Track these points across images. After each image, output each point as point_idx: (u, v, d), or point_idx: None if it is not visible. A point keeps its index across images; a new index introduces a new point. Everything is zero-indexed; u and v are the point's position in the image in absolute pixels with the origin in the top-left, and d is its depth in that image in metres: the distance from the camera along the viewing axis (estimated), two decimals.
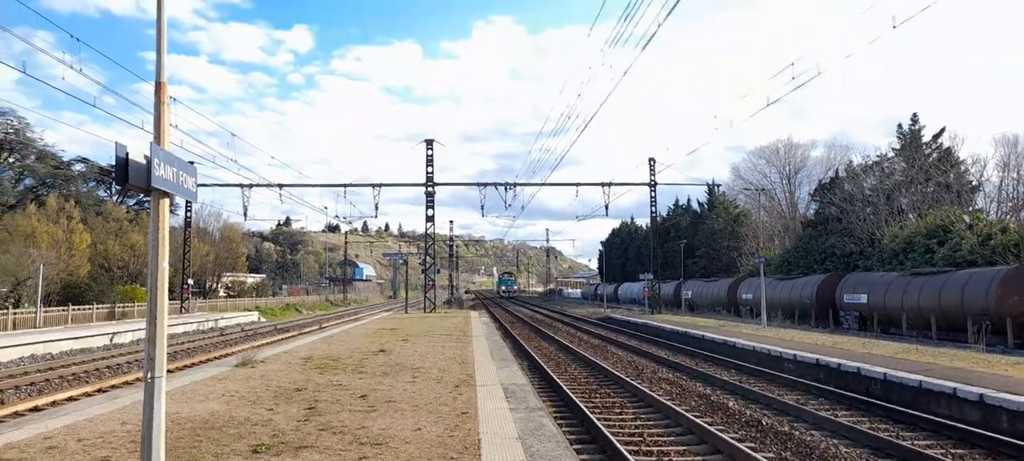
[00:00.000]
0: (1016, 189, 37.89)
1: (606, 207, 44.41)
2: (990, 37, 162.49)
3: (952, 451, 9.40)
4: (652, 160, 45.60)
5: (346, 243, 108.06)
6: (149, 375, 4.68)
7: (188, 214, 49.69)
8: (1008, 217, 35.75)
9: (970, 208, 40.11)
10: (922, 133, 45.96)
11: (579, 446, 9.47)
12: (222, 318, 42.72)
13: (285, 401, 9.75)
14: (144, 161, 4.52)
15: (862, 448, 9.53)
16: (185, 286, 47.09)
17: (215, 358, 21.25)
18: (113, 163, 4.46)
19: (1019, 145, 38.96)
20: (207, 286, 65.49)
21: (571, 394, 13.16)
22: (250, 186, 41.81)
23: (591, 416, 10.91)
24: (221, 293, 67.53)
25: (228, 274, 72.09)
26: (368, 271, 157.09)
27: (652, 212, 48.04)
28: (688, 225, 67.80)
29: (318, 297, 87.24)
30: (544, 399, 12.58)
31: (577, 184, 44.24)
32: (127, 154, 4.42)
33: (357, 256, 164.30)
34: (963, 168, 43.78)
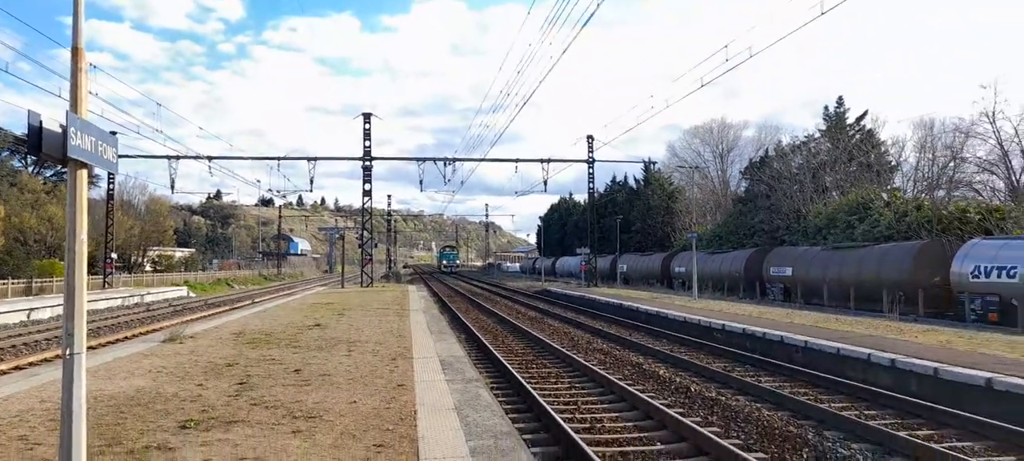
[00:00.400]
0: (931, 169, 39.96)
1: (545, 183, 44.71)
2: (911, 25, 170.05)
3: (865, 412, 9.97)
4: (590, 137, 46.07)
5: (280, 217, 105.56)
6: (68, 351, 4.50)
7: (110, 186, 47.52)
8: (923, 195, 37.73)
9: (889, 187, 42.18)
10: (846, 115, 47.92)
11: (515, 415, 9.62)
12: (149, 293, 41.22)
13: (215, 376, 9.53)
14: (59, 130, 4.30)
15: (784, 411, 10.00)
16: (107, 260, 45.15)
17: (141, 334, 20.54)
18: (27, 132, 4.24)
19: (935, 128, 41.04)
20: (132, 261, 62.94)
21: (508, 365, 13.31)
22: (177, 158, 40.26)
23: (527, 386, 11.07)
24: (148, 268, 65.01)
25: (155, 249, 69.42)
26: (304, 246, 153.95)
27: (590, 188, 48.62)
28: (624, 201, 68.97)
29: (251, 272, 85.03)
30: (481, 371, 12.69)
31: (516, 160, 44.31)
32: (41, 122, 4.20)
33: (292, 230, 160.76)
34: (883, 149, 45.91)
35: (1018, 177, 35.55)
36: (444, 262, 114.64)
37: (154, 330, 21.35)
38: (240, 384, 8.95)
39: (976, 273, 21.55)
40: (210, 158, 40.92)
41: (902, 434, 8.48)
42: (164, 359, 11.14)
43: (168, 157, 40.00)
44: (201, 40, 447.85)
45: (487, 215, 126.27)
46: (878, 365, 12.11)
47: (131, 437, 6.26)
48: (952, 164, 38.44)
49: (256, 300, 38.38)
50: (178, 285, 51.61)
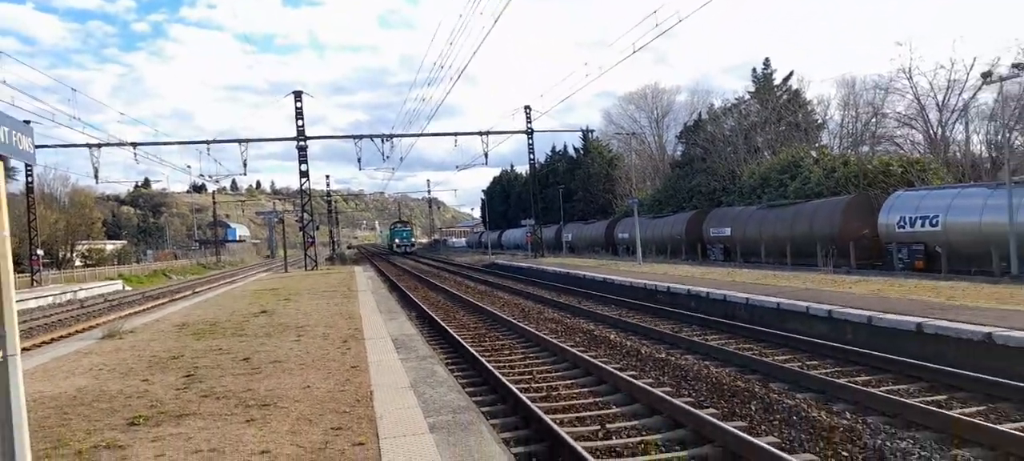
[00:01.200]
0: (855, 126, 41.61)
1: (486, 155, 44.59)
2: None
3: (807, 363, 10.41)
4: (528, 108, 46.08)
5: (214, 203, 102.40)
6: (1, 354, 4.28)
7: (29, 179, 45.17)
8: (849, 151, 39.27)
9: (817, 144, 43.72)
10: (774, 77, 49.27)
11: (471, 388, 9.66)
12: (82, 289, 39.51)
13: (161, 370, 9.25)
14: None
15: (730, 367, 10.35)
16: (33, 257, 43.02)
17: (78, 332, 19.71)
18: None
19: (856, 86, 42.68)
20: (61, 256, 60.20)
21: (461, 340, 13.34)
22: (99, 146, 38.48)
23: (481, 359, 11.13)
24: (78, 263, 62.28)
25: (83, 242, 66.49)
26: (242, 231, 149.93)
27: (530, 159, 48.78)
28: (565, 170, 69.47)
29: (189, 261, 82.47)
30: (434, 347, 12.67)
31: (455, 134, 44.02)
32: None
33: (227, 216, 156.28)
34: (810, 108, 47.49)
35: (935, 130, 37.36)
36: (396, 241, 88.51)
37: (91, 327, 20.51)
38: (188, 376, 8.71)
39: (901, 223, 22.61)
40: (135, 144, 39.33)
41: (842, 381, 8.90)
42: (104, 356, 10.73)
43: (89, 145, 38.17)
44: (112, 20, 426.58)
45: (429, 191, 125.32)
46: (816, 317, 12.63)
47: (78, 438, 6.03)
48: (874, 120, 40.12)
49: (197, 290, 37.27)
50: (112, 279, 49.62)
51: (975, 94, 34.69)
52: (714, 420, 7.23)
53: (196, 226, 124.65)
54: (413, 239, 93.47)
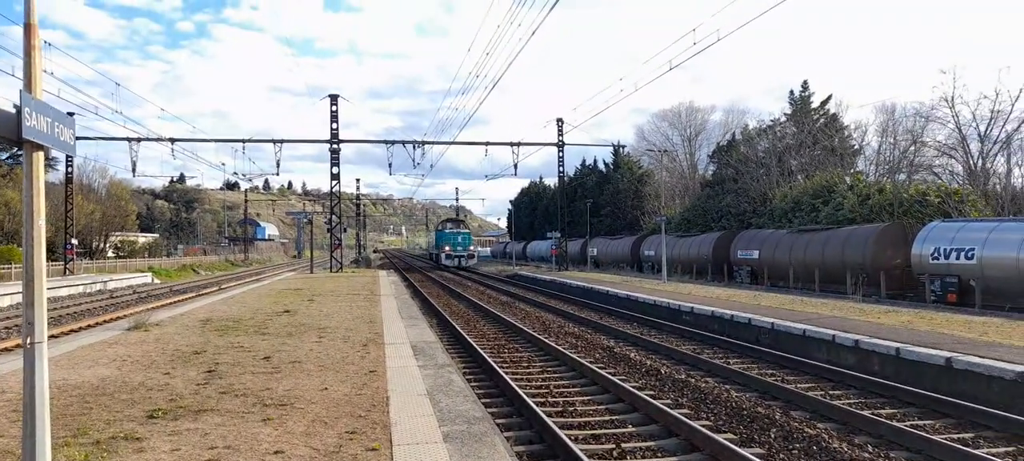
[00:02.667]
0: (893, 153, 40.82)
1: (515, 166, 44.64)
2: (874, 9, 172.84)
3: (831, 392, 10.20)
4: (560, 121, 46.10)
5: (246, 201, 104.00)
6: (29, 340, 4.37)
7: (69, 169, 46.28)
8: (885, 178, 38.53)
9: (852, 170, 43.00)
10: (811, 99, 48.65)
11: (487, 399, 9.63)
12: (112, 280, 40.33)
13: (183, 364, 9.38)
14: (13, 110, 4.15)
15: (751, 392, 10.18)
16: (68, 247, 44.02)
17: (105, 322, 20.10)
18: None
19: (896, 112, 41.91)
20: (94, 247, 61.54)
21: (480, 350, 13.32)
22: (138, 140, 39.29)
23: (499, 371, 11.10)
24: (110, 254, 63.62)
25: (117, 234, 67.92)
26: (271, 230, 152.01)
27: (560, 172, 48.71)
28: (594, 185, 69.25)
29: (217, 257, 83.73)
30: (453, 356, 12.68)
31: (486, 143, 44.06)
32: None
33: (258, 215, 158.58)
34: (847, 133, 46.77)
35: (975, 161, 36.50)
36: (445, 248, 58.29)
37: (118, 318, 20.91)
38: (209, 372, 8.81)
39: (935, 255, 22.11)
40: (172, 140, 40.05)
41: (866, 413, 8.70)
42: (129, 347, 10.92)
43: (128, 139, 39.03)
44: (158, 18, 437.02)
45: (457, 199, 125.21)
46: (842, 346, 12.38)
47: (97, 427, 6.13)
48: (913, 148, 39.30)
49: (223, 286, 37.81)
50: (142, 271, 50.59)
51: (1020, 126, 33.88)
52: (731, 445, 7.11)
53: (226, 223, 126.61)
54: (472, 246, 59.36)
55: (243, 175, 49.88)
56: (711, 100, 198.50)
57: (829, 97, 48.31)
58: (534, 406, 8.69)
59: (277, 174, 44.22)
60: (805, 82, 49.35)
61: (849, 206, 33.59)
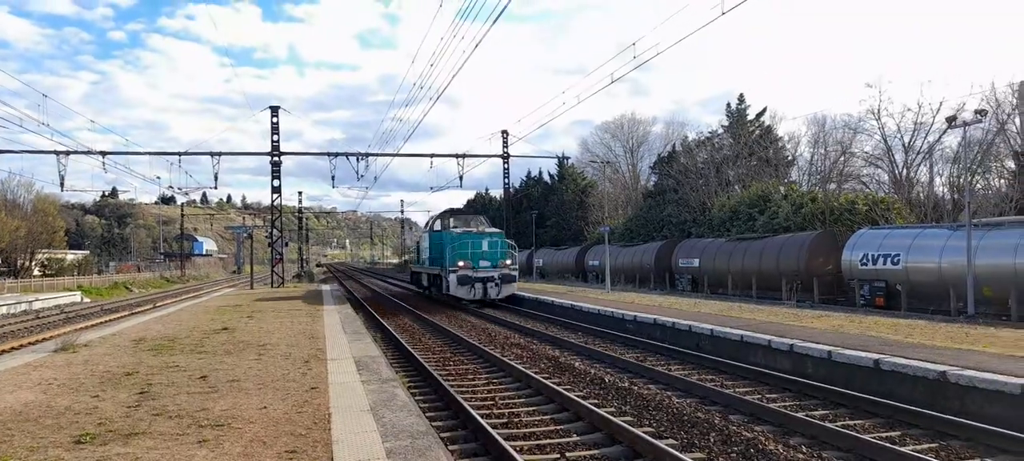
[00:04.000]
0: (824, 163, 42.44)
1: (460, 178, 44.53)
2: (805, 26, 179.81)
3: (767, 395, 10.50)
4: (505, 133, 46.33)
5: (183, 216, 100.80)
6: None
7: None
8: (817, 188, 40.01)
9: (786, 180, 44.52)
10: (747, 112, 50.22)
11: (432, 413, 9.57)
12: (37, 299, 38.47)
13: (113, 386, 9.01)
14: None
15: (692, 398, 10.40)
16: None
17: (30, 344, 19.15)
18: None
19: (826, 124, 43.66)
20: (19, 265, 58.65)
21: (425, 363, 13.22)
22: (67, 153, 37.69)
23: (444, 384, 11.04)
24: (36, 272, 60.69)
25: (44, 251, 64.90)
26: (209, 245, 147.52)
27: (505, 183, 48.97)
28: (539, 196, 69.72)
29: (152, 274, 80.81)
30: (397, 370, 12.56)
31: (431, 155, 43.61)
32: None
33: (195, 230, 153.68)
34: (781, 144, 48.41)
35: (900, 170, 38.28)
36: (459, 266, 26.74)
37: (44, 339, 19.94)
38: (141, 394, 8.50)
39: (864, 261, 23.06)
40: (103, 153, 38.59)
41: (800, 415, 8.99)
42: (55, 370, 10.43)
43: (57, 152, 37.40)
44: (89, 27, 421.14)
45: (403, 211, 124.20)
46: (778, 350, 12.78)
47: (20, 455, 5.84)
48: (842, 158, 40.98)
49: (158, 304, 36.51)
50: (71, 290, 48.40)
51: (940, 137, 35.71)
52: (673, 451, 7.26)
53: (162, 238, 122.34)
54: (510, 260, 28.30)
55: (180, 189, 48.33)
56: (652, 112, 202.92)
57: (764, 110, 49.99)
58: (479, 418, 8.68)
59: (215, 188, 43.11)
60: (741, 95, 50.96)
61: (784, 215, 34.74)
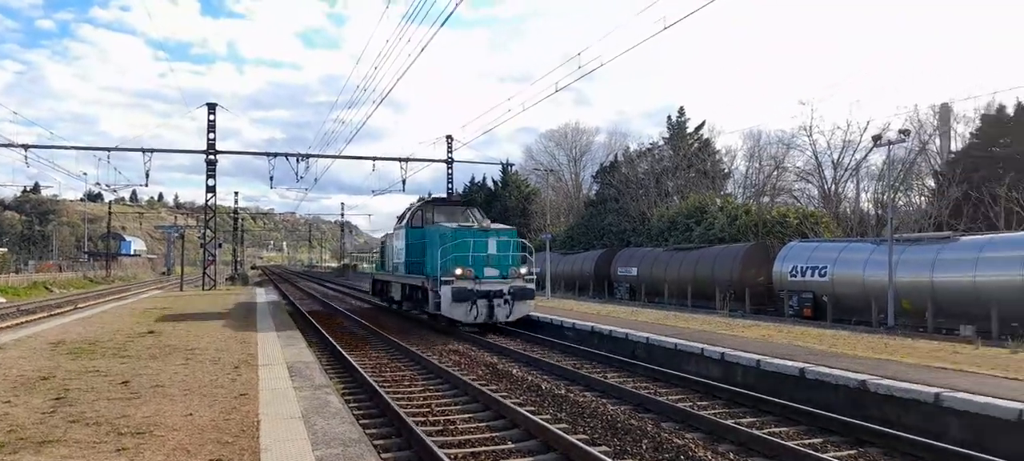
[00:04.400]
0: (758, 177, 43.92)
1: (403, 182, 44.16)
2: (746, 42, 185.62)
3: (698, 403, 10.74)
4: (449, 137, 46.19)
5: (110, 213, 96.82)
6: None
7: None
8: (751, 200, 41.32)
9: (722, 192, 45.84)
10: (687, 125, 51.51)
11: (366, 420, 9.42)
12: None
13: (27, 392, 8.55)
14: None
15: (626, 405, 10.55)
16: None
17: None
18: None
19: (761, 140, 45.24)
20: None
21: (360, 369, 13.02)
22: None
23: (380, 390, 10.88)
24: None
25: None
26: (137, 245, 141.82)
27: (449, 188, 48.67)
28: (483, 202, 69.59)
29: (75, 274, 77.16)
30: (332, 376, 12.32)
31: (374, 158, 43.15)
32: None
33: (124, 228, 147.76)
34: (718, 157, 49.87)
35: (829, 186, 39.90)
36: (456, 275, 19.55)
37: None
38: (57, 399, 8.09)
39: (794, 272, 23.90)
40: (26, 146, 36.68)
41: (729, 422, 9.23)
42: None
43: None
44: (14, 15, 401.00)
45: (343, 214, 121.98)
46: (710, 358, 13.10)
47: None
48: (775, 173, 42.48)
49: (80, 305, 34.88)
50: None
51: (866, 155, 37.40)
52: (606, 458, 7.34)
53: (87, 237, 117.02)
54: (524, 268, 20.69)
55: (108, 186, 46.27)
56: (596, 122, 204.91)
57: (703, 123, 51.42)
58: (413, 425, 8.59)
59: (146, 185, 41.80)
60: (681, 108, 52.35)
61: (719, 226, 35.72)
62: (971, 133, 37.87)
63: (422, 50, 18.95)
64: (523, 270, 20.54)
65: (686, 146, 49.43)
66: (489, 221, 22.42)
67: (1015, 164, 32.28)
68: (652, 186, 47.38)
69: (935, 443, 7.94)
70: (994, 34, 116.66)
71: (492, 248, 20.40)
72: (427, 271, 21.03)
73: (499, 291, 19.80)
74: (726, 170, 49.44)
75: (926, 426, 8.67)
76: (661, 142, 52.65)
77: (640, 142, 57.12)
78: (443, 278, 19.46)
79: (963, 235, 21.73)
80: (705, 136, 50.66)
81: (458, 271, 19.51)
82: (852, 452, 8.22)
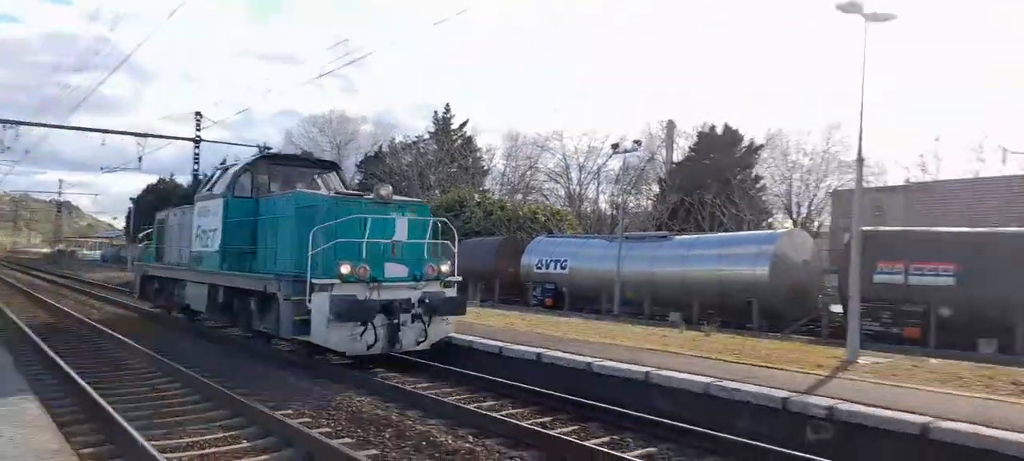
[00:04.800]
0: (514, 175, 46.61)
1: (140, 159, 39.47)
2: (515, 44, 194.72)
3: (443, 390, 11.07)
4: (198, 115, 42.32)
5: None
6: None
7: None
8: (506, 197, 43.69)
9: (481, 188, 47.86)
10: (452, 121, 52.92)
11: (73, 427, 8.30)
12: None
13: None
14: None
15: (372, 396, 10.54)
16: None
17: None
18: None
19: (519, 141, 48.04)
20: None
21: (72, 373, 11.41)
22: None
23: (89, 389, 9.65)
24: None
25: None
26: None
27: (194, 169, 44.51)
28: None
29: None
30: (35, 380, 10.66)
31: (104, 131, 38.08)
32: None
33: None
34: (479, 154, 51.98)
35: (574, 187, 43.67)
36: (337, 271, 11.71)
37: None
38: None
39: (539, 265, 25.76)
40: None
41: (471, 407, 9.69)
42: None
43: None
44: None
45: (61, 193, 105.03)
46: (459, 347, 13.59)
47: None
48: (529, 172, 45.44)
49: None
50: None
51: (606, 161, 41.53)
52: (347, 450, 7.29)
53: None
54: (450, 257, 13.80)
55: None
56: (364, 111, 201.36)
57: (466, 121, 53.19)
58: (135, 433, 7.75)
59: None
60: (447, 105, 53.58)
61: (476, 220, 37.24)
62: (690, 147, 43.88)
63: (171, 15, 17.23)
64: (444, 268, 13.43)
65: (450, 142, 50.79)
66: (390, 188, 13.44)
67: (720, 176, 38.06)
68: (415, 178, 47.92)
69: (646, 416, 9.06)
70: (715, 64, 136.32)
71: (401, 233, 12.75)
72: (269, 268, 13.66)
73: (407, 301, 12.48)
74: (486, 167, 51.73)
75: (638, 401, 9.86)
76: (427, 136, 53.48)
77: (406, 135, 57.46)
78: (320, 281, 11.70)
79: (677, 235, 25.10)
80: (468, 133, 52.51)
81: (344, 269, 11.79)
82: (576, 427, 9.07)
